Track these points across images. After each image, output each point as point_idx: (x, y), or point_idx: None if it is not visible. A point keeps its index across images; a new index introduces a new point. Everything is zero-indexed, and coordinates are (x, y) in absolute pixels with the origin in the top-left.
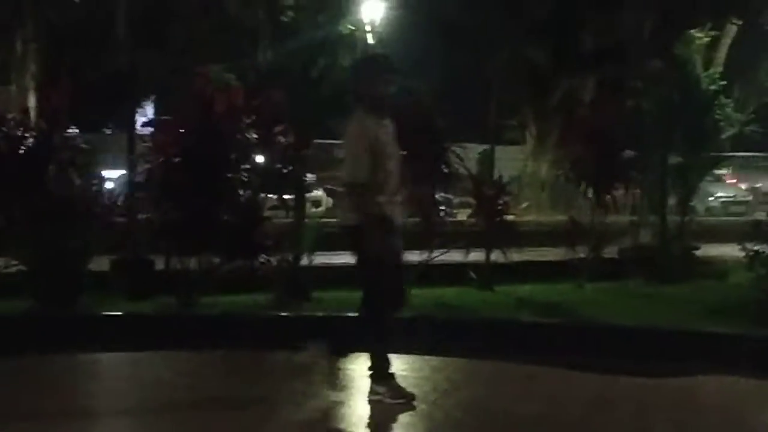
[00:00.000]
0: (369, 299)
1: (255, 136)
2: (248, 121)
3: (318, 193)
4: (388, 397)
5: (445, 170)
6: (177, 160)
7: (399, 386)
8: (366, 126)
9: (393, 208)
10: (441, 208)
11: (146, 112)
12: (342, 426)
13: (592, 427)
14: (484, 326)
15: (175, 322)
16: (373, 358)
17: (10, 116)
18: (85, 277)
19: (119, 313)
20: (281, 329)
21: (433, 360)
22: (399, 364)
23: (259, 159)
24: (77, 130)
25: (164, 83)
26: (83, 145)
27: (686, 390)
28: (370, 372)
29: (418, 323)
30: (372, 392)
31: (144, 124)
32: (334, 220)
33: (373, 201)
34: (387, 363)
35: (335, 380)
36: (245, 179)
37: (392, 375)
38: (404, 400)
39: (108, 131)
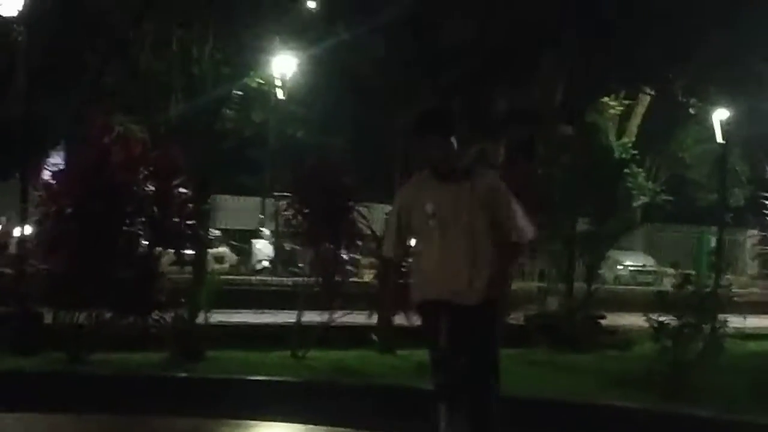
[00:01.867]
0: None
1: (152, 188)
2: (145, 172)
3: (222, 249)
4: None
5: (350, 229)
6: (69, 211)
7: None
8: (408, 192)
9: (442, 290)
10: (347, 267)
11: (55, 162)
12: None
13: None
14: (380, 392)
15: (60, 381)
16: None
17: None
18: None
19: (3, 370)
20: (172, 391)
21: (321, 429)
22: None
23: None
24: None
25: (72, 133)
26: None
27: None
28: None
29: (312, 389)
30: None
31: (52, 174)
32: (238, 277)
33: (412, 280)
34: None
35: None
36: (141, 232)
37: None
38: None
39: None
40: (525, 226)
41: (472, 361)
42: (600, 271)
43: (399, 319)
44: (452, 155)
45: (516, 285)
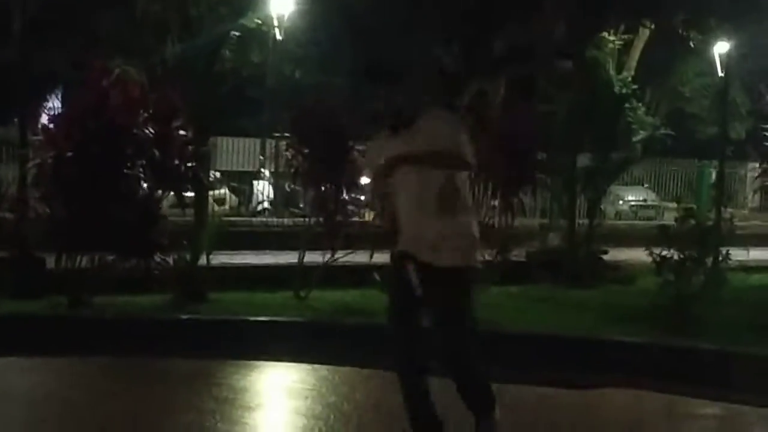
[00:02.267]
0: None
1: (152, 130)
2: (145, 115)
3: (222, 191)
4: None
5: (350, 169)
6: (69, 154)
7: None
8: (370, 150)
9: (408, 243)
10: (348, 207)
11: (53, 107)
12: None
13: None
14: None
15: (63, 324)
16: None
17: None
18: None
19: (5, 314)
20: (175, 333)
21: (324, 369)
22: (289, 374)
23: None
24: None
25: (69, 77)
26: None
27: (585, 403)
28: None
29: (315, 329)
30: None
31: (50, 119)
32: (239, 218)
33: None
34: None
35: None
36: (141, 175)
37: None
38: None
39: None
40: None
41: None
42: (601, 207)
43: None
44: (396, 107)
45: (518, 222)
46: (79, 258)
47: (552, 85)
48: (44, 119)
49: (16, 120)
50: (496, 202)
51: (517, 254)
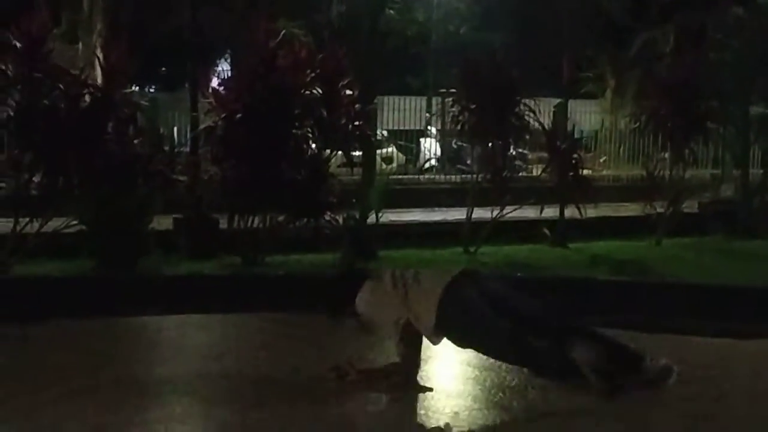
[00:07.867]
0: None
1: (319, 90)
2: (312, 75)
3: (390, 149)
4: None
5: (517, 124)
6: (239, 116)
7: None
8: None
9: None
10: (516, 162)
11: (222, 70)
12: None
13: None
14: (554, 285)
15: (237, 282)
16: None
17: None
18: (147, 237)
19: (182, 274)
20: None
21: None
22: None
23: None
24: (138, 87)
25: (237, 41)
26: (143, 103)
27: (762, 352)
28: None
29: None
30: None
31: (220, 82)
32: (407, 176)
33: None
34: None
35: None
36: (309, 135)
37: None
38: None
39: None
40: None
41: None
42: None
43: (571, 212)
44: None
45: (689, 172)
46: (250, 218)
47: (723, 32)
48: (214, 82)
49: (186, 84)
50: (667, 154)
51: (690, 206)
